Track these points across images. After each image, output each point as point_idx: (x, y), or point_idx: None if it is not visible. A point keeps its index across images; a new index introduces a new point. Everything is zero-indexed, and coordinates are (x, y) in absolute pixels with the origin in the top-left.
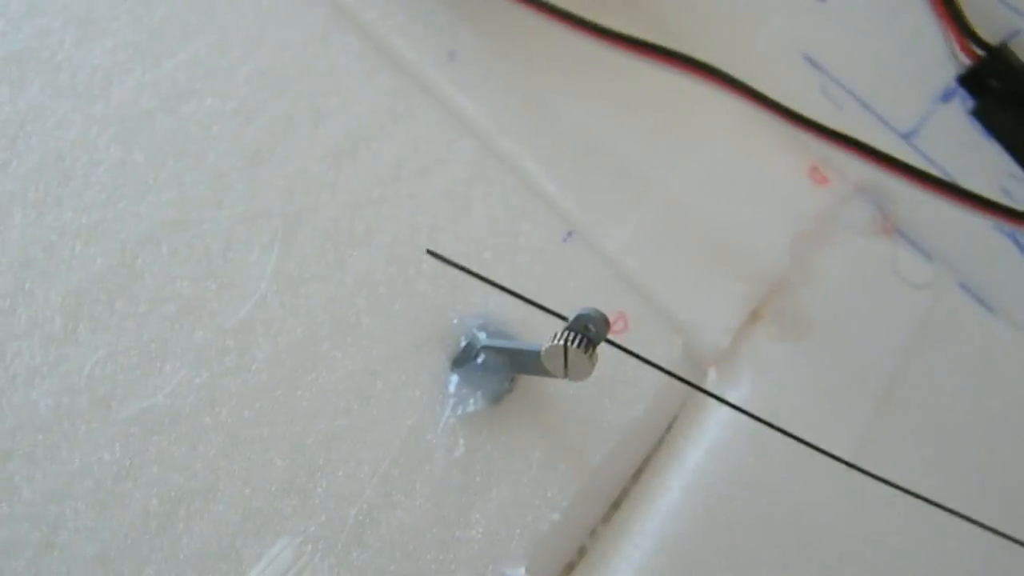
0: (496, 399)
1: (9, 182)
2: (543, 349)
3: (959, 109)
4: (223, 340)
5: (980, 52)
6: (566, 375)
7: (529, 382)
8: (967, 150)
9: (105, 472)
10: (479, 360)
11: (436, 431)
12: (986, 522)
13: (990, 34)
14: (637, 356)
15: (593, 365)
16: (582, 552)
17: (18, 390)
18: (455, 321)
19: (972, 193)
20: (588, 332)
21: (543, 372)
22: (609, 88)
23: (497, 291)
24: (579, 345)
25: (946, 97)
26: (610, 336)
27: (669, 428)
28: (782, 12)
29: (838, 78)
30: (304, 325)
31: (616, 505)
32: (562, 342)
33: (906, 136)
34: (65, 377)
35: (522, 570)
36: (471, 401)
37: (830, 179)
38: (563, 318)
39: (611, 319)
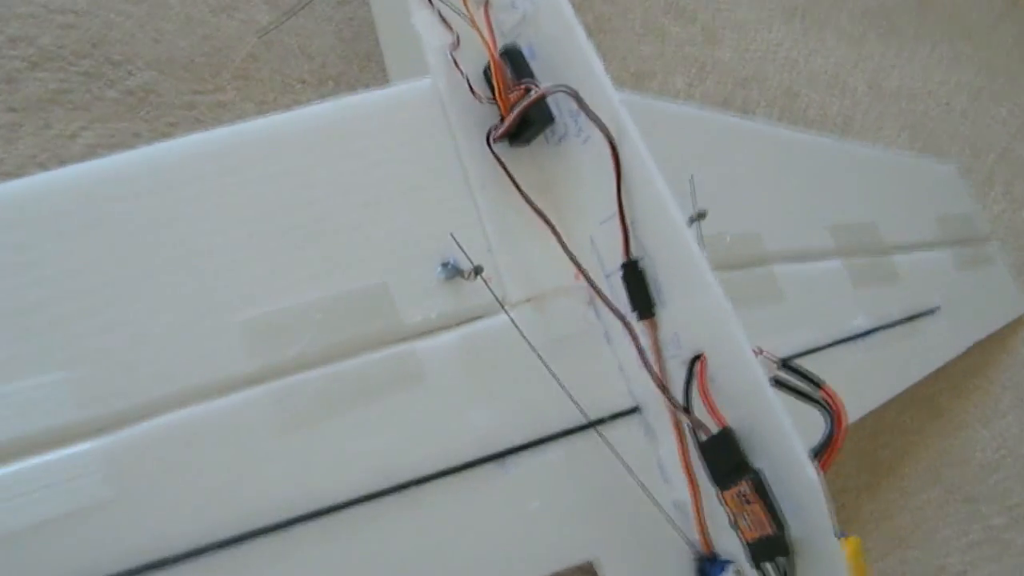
0: (446, 280)
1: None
2: (465, 268)
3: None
4: None
5: (628, 257)
6: (467, 279)
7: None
8: (619, 290)
9: None
10: (449, 267)
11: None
12: (570, 395)
13: (634, 251)
14: (488, 288)
15: (473, 279)
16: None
17: None
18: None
19: (614, 308)
20: (478, 270)
21: (462, 276)
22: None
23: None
24: (476, 273)
25: (619, 268)
26: (486, 283)
27: (478, 318)
28: (588, 220)
29: (596, 247)
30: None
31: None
32: (472, 270)
33: (607, 275)
34: None
35: None
36: (440, 275)
37: (580, 280)
38: (475, 267)
39: (486, 276)
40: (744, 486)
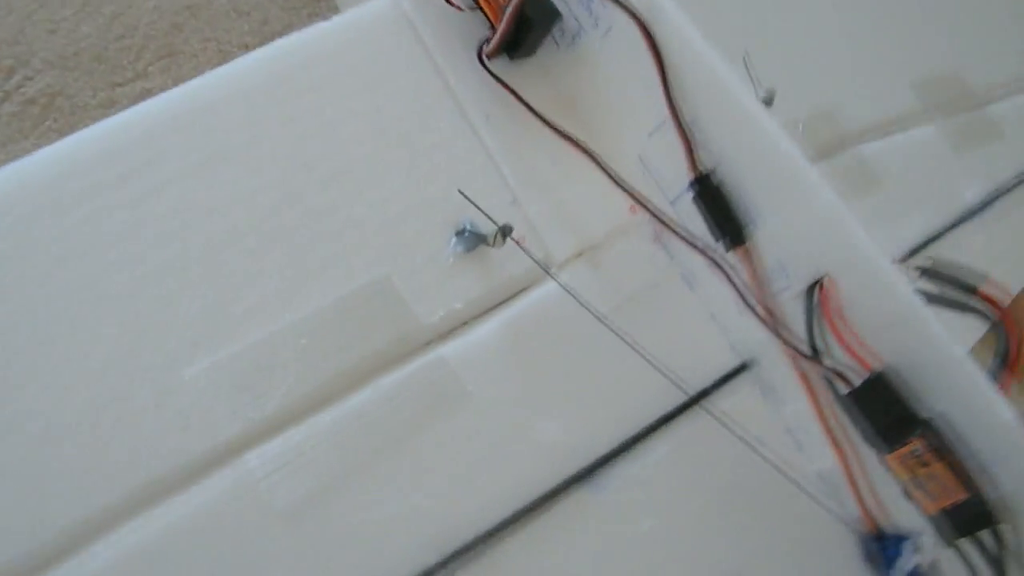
0: (466, 252)
1: None
2: (488, 232)
3: (689, 195)
4: None
5: (699, 171)
6: (494, 245)
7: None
8: (692, 215)
9: None
10: (466, 235)
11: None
12: (658, 367)
13: (704, 162)
14: (524, 250)
15: (502, 243)
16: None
17: None
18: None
19: (691, 240)
20: (506, 230)
21: (486, 243)
22: (552, 139)
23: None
24: (504, 234)
25: (688, 188)
26: (521, 245)
27: (518, 294)
28: (633, 136)
29: (650, 168)
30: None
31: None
32: (497, 233)
33: (672, 201)
34: None
35: None
36: (456, 248)
37: (639, 213)
38: (501, 227)
39: (518, 237)
40: (916, 444)
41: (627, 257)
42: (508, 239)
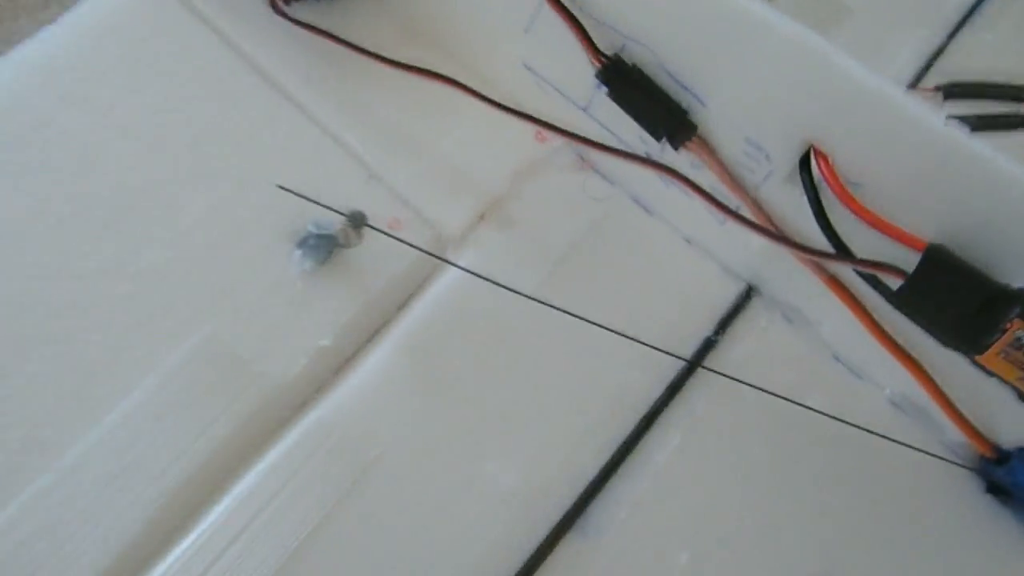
0: (319, 264)
1: None
2: (336, 231)
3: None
4: None
5: (604, 58)
6: (349, 245)
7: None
8: (616, 118)
9: None
10: (311, 242)
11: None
12: (633, 336)
13: (608, 46)
14: (395, 238)
15: (360, 239)
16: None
17: None
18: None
19: (626, 152)
20: (357, 219)
21: (340, 246)
22: (404, 84)
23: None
24: (357, 224)
25: (597, 84)
26: (390, 233)
27: (415, 292)
28: (507, 39)
29: (541, 75)
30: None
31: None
32: (343, 225)
33: (584, 108)
34: None
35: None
36: (304, 263)
37: (548, 139)
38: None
39: (389, 222)
40: (1018, 326)
41: (548, 200)
42: (367, 229)
